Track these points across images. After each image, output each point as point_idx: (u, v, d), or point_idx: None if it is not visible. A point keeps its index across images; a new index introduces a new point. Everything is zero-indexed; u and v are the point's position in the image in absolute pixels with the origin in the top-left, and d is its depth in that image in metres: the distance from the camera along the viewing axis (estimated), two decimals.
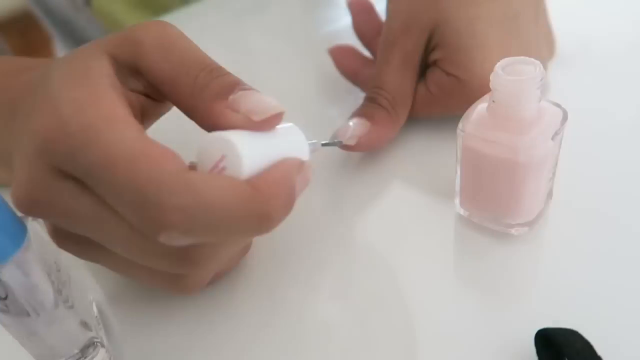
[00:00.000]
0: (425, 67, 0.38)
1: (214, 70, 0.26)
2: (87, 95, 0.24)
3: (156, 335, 0.31)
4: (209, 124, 0.26)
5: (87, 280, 0.34)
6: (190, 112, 0.27)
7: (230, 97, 0.25)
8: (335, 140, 0.35)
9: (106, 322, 0.32)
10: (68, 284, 0.27)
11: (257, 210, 0.23)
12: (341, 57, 0.42)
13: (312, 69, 0.47)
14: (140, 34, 0.27)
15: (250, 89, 0.26)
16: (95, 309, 0.30)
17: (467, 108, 0.31)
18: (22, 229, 0.23)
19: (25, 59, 0.35)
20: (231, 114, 0.25)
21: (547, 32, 0.41)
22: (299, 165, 0.26)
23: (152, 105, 0.29)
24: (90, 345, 0.28)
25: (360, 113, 0.37)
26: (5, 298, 0.23)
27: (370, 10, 0.43)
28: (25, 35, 1.58)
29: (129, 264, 0.27)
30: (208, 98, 0.25)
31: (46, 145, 0.24)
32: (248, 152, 0.24)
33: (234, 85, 0.26)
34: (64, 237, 0.27)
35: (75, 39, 0.67)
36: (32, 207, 0.25)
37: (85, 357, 0.27)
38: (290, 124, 0.28)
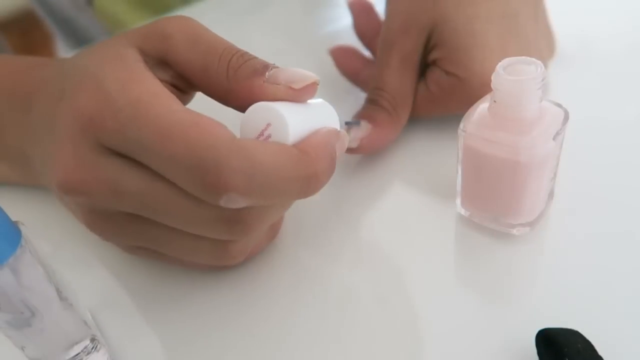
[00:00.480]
0: (425, 67, 0.38)
1: (245, 55, 0.27)
2: (129, 74, 0.25)
3: (150, 341, 0.31)
4: (248, 101, 0.27)
5: (79, 286, 0.34)
6: (226, 95, 0.27)
7: (267, 73, 0.27)
8: (358, 121, 0.36)
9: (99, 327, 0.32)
10: (63, 284, 0.27)
11: (306, 171, 0.25)
12: (342, 57, 0.43)
13: (313, 69, 0.46)
14: (167, 27, 0.28)
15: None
16: (88, 313, 0.30)
17: (467, 107, 0.31)
18: (16, 233, 0.23)
19: (36, 57, 0.36)
20: (271, 86, 0.26)
21: (547, 32, 0.41)
22: (337, 133, 0.28)
23: (178, 96, 0.29)
24: (92, 341, 0.28)
25: (361, 115, 0.37)
26: None
27: (371, 10, 0.43)
28: (26, 34, 1.58)
29: (174, 237, 0.27)
30: (245, 76, 0.27)
31: (92, 122, 0.24)
32: (293, 120, 0.26)
33: (266, 64, 0.27)
34: (102, 219, 0.27)
35: (77, 38, 0.68)
36: (78, 186, 0.25)
37: (87, 354, 0.27)
38: (321, 100, 0.29)
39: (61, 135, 0.26)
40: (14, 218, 0.24)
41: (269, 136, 0.26)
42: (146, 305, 0.32)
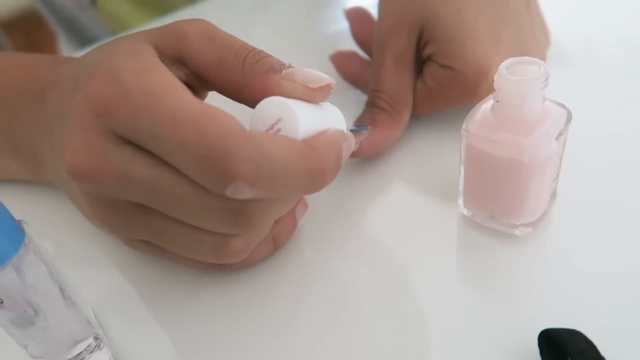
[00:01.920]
0: (421, 64, 0.38)
1: (261, 52, 0.28)
2: (144, 65, 0.26)
3: (152, 339, 0.31)
4: (263, 96, 0.27)
5: (82, 285, 0.34)
6: (240, 90, 0.28)
7: (284, 71, 0.27)
8: (363, 126, 0.36)
9: (102, 326, 0.32)
10: (66, 283, 0.27)
11: (313, 165, 0.26)
12: (342, 62, 0.43)
13: (316, 68, 0.46)
14: (182, 26, 0.28)
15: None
16: (91, 312, 0.31)
17: (466, 99, 0.31)
18: (20, 232, 0.23)
19: (50, 55, 0.36)
20: (287, 83, 0.27)
21: (540, 21, 0.41)
22: (344, 134, 0.28)
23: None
24: (95, 339, 0.28)
25: (361, 118, 0.37)
26: (1, 302, 0.24)
27: (367, 16, 0.44)
28: (29, 34, 1.58)
29: (178, 230, 0.27)
30: (261, 71, 0.27)
31: (105, 109, 0.25)
32: (303, 117, 0.26)
33: (282, 63, 0.28)
34: (107, 208, 0.27)
35: (80, 38, 0.68)
36: (87, 172, 0.25)
37: (90, 352, 0.28)
38: (328, 103, 0.30)
39: (72, 122, 0.26)
40: (17, 217, 0.24)
41: (279, 130, 0.26)
42: (149, 304, 0.32)
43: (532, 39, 0.38)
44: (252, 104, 0.27)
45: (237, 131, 0.24)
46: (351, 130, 0.33)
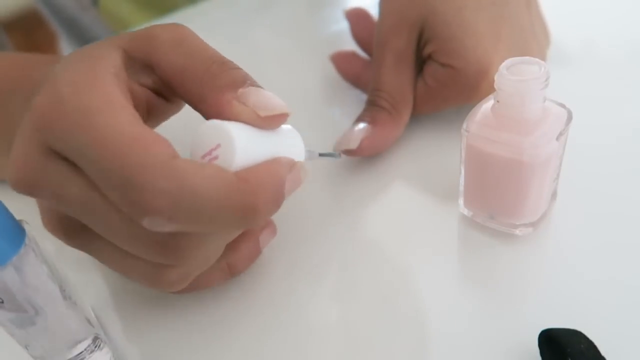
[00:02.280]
0: (422, 63, 0.38)
1: (226, 63, 0.27)
2: (87, 79, 0.24)
3: (152, 339, 0.31)
4: (214, 113, 0.26)
5: (83, 285, 0.34)
6: (198, 102, 0.27)
7: (240, 90, 0.26)
8: (333, 152, 0.34)
9: (102, 326, 0.32)
10: (67, 282, 0.27)
11: (242, 201, 0.24)
12: (342, 62, 0.43)
13: (317, 68, 0.47)
14: (155, 30, 0.27)
15: (259, 86, 0.27)
16: (92, 312, 0.31)
17: (466, 97, 0.31)
18: (20, 232, 0.23)
19: (48, 55, 0.36)
20: (238, 105, 0.25)
21: (540, 20, 0.41)
22: (291, 164, 0.26)
23: (160, 102, 0.29)
24: (95, 339, 0.28)
25: (361, 117, 0.37)
26: (2, 302, 0.24)
27: (367, 17, 0.44)
28: (30, 34, 1.58)
29: (114, 252, 0.27)
30: (217, 87, 0.26)
31: (42, 123, 0.24)
32: (243, 145, 0.24)
33: (244, 79, 0.26)
34: (53, 220, 0.27)
35: (81, 38, 0.68)
36: (24, 186, 0.25)
37: (91, 352, 0.28)
38: (289, 127, 0.28)
39: (19, 133, 0.26)
40: (18, 217, 0.24)
41: (216, 157, 0.25)
42: (149, 304, 0.32)
43: (532, 38, 0.38)
44: (208, 119, 0.26)
45: (160, 160, 0.22)
46: (320, 155, 0.31)
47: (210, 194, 0.23)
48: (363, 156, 0.38)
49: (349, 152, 0.36)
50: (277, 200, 0.25)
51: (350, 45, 0.44)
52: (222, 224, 0.24)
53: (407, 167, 0.38)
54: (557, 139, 0.29)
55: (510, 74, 0.28)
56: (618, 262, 0.31)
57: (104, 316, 0.32)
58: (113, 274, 0.34)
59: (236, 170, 0.24)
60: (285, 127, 0.28)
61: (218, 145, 0.25)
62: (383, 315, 0.30)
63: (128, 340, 0.31)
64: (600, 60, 0.44)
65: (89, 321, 0.28)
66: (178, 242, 0.25)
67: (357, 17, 0.44)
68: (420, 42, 0.37)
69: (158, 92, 0.29)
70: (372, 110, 0.37)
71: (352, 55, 0.43)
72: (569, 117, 0.30)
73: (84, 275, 0.34)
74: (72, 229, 0.27)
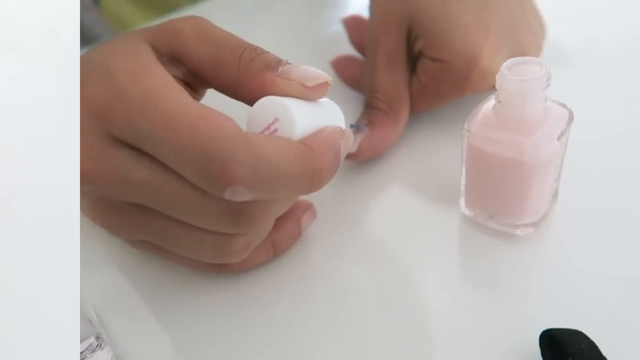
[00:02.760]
0: (415, 61, 0.38)
1: (257, 49, 0.28)
2: (140, 66, 0.26)
3: (154, 339, 0.31)
4: (259, 94, 0.27)
5: (84, 285, 0.34)
6: (236, 87, 0.27)
7: (280, 68, 0.27)
8: (360, 125, 0.36)
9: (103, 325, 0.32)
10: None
11: (311, 166, 0.25)
12: (341, 67, 0.43)
13: (317, 68, 0.47)
14: (178, 24, 0.28)
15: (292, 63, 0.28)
16: (93, 311, 0.31)
17: (459, 91, 0.31)
18: None
19: None
20: (283, 81, 0.27)
21: (534, 11, 0.40)
22: (342, 131, 0.28)
23: (189, 93, 0.29)
24: (97, 339, 0.28)
25: (359, 121, 0.37)
26: None
27: (363, 23, 0.44)
28: None
29: (177, 231, 0.27)
30: (256, 70, 0.27)
31: (103, 112, 0.25)
32: (300, 116, 0.26)
33: (279, 58, 0.27)
34: (108, 210, 0.28)
35: (83, 38, 0.68)
36: (87, 176, 0.25)
37: (92, 352, 0.28)
38: (326, 99, 0.29)
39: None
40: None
41: (276, 130, 0.26)
42: (151, 304, 0.32)
43: (525, 28, 0.38)
44: (249, 102, 0.27)
45: (232, 133, 0.24)
46: (351, 126, 0.33)
47: (284, 162, 0.24)
48: (363, 159, 0.38)
49: (348, 156, 0.36)
50: (336, 165, 0.27)
51: (350, 44, 0.44)
52: (294, 189, 0.26)
53: (408, 167, 0.38)
54: (559, 139, 0.29)
55: (512, 73, 0.28)
56: (619, 262, 0.31)
57: (105, 316, 0.32)
58: (114, 274, 0.34)
59: (298, 139, 0.26)
60: (324, 99, 0.29)
61: (276, 120, 0.26)
62: (383, 315, 0.30)
63: (129, 339, 0.31)
64: (601, 60, 0.44)
65: (90, 321, 0.28)
66: (250, 209, 0.26)
67: (353, 24, 0.44)
68: (410, 39, 0.37)
69: (187, 84, 0.29)
70: (369, 113, 0.37)
71: (350, 59, 0.43)
72: (571, 117, 0.30)
73: (85, 275, 0.34)
74: (127, 217, 0.28)
